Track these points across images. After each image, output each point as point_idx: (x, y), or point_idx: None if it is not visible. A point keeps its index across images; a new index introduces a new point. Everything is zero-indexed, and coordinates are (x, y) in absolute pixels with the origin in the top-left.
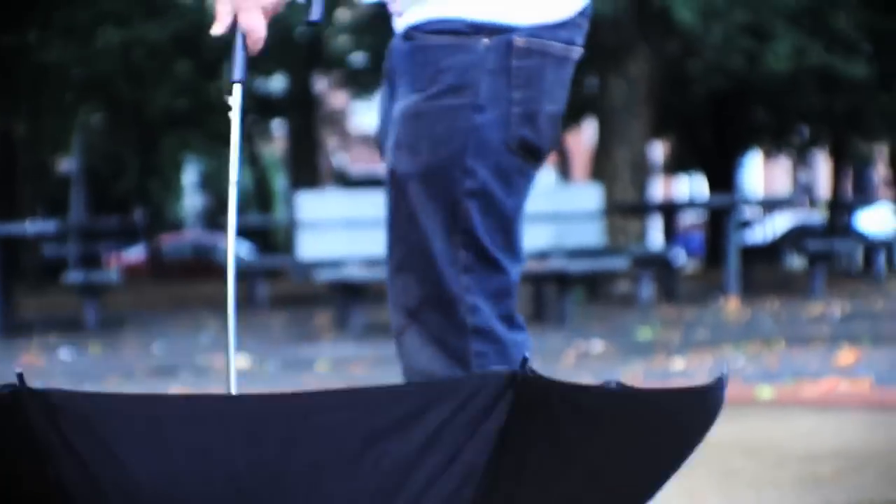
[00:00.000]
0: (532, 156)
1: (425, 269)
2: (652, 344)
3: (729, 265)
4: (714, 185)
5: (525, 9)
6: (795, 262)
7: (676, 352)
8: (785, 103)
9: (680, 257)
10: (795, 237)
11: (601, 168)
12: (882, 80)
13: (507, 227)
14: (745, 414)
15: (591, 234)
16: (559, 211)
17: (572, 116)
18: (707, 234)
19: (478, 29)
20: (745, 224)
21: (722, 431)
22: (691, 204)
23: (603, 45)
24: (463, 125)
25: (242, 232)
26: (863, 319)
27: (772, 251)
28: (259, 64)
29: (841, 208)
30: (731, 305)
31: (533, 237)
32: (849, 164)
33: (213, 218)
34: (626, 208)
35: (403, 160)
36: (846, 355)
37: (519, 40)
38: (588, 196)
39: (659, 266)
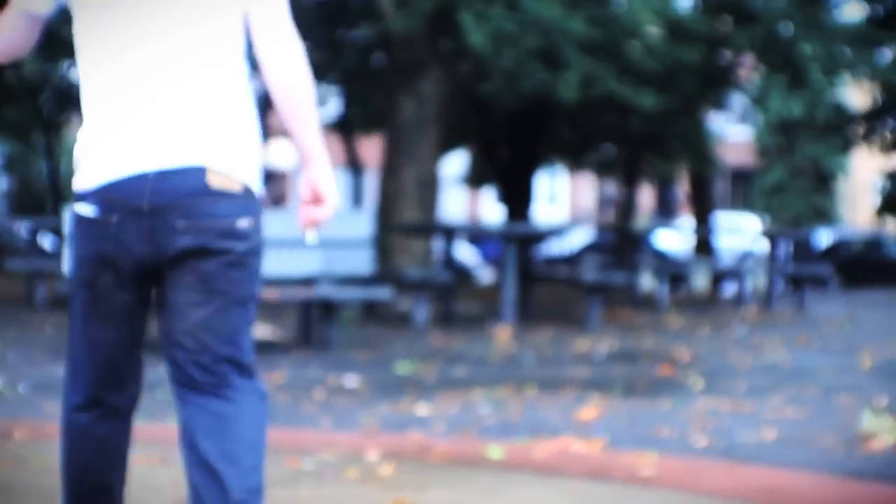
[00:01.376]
0: None
1: None
2: (407, 381)
3: (505, 294)
4: (510, 200)
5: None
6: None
7: (427, 393)
8: (585, 122)
9: (481, 272)
10: (591, 250)
11: (388, 186)
12: (679, 107)
13: None
14: (467, 478)
15: (360, 261)
16: (328, 238)
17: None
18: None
19: None
20: (539, 238)
21: (434, 498)
22: (471, 228)
23: (395, 62)
24: None
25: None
26: (625, 361)
27: (572, 262)
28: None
29: (628, 228)
30: (503, 336)
31: (301, 263)
32: (650, 182)
33: (17, 202)
34: (404, 229)
35: None
36: (589, 410)
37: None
38: (357, 223)
39: (435, 289)
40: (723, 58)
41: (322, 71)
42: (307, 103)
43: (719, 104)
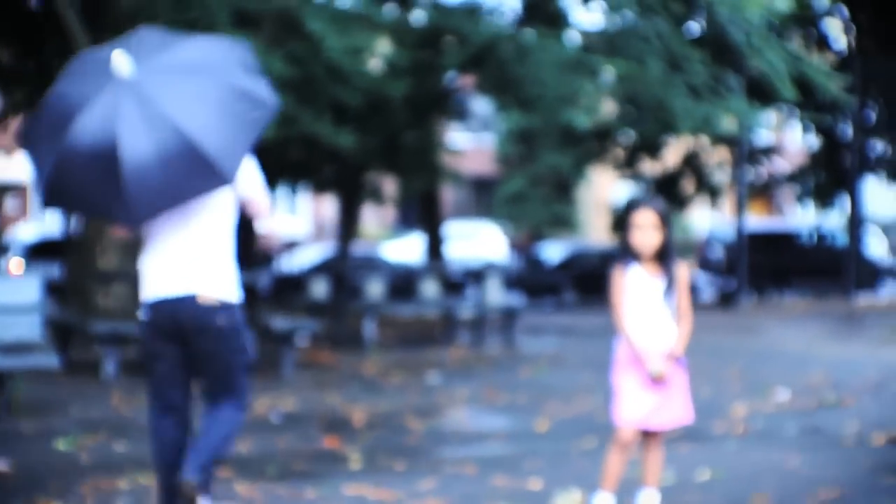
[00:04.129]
0: None
1: None
2: (60, 464)
3: None
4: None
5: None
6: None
7: (74, 481)
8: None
9: None
10: (323, 268)
11: (87, 229)
12: (388, 140)
13: None
14: None
15: (28, 327)
16: None
17: None
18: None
19: None
20: (269, 260)
21: None
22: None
23: None
24: None
25: None
26: (296, 427)
27: (300, 283)
28: None
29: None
30: None
31: None
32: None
33: None
34: (104, 277)
35: None
36: None
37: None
38: (25, 288)
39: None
40: (439, 82)
41: (26, 103)
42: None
43: (455, 116)
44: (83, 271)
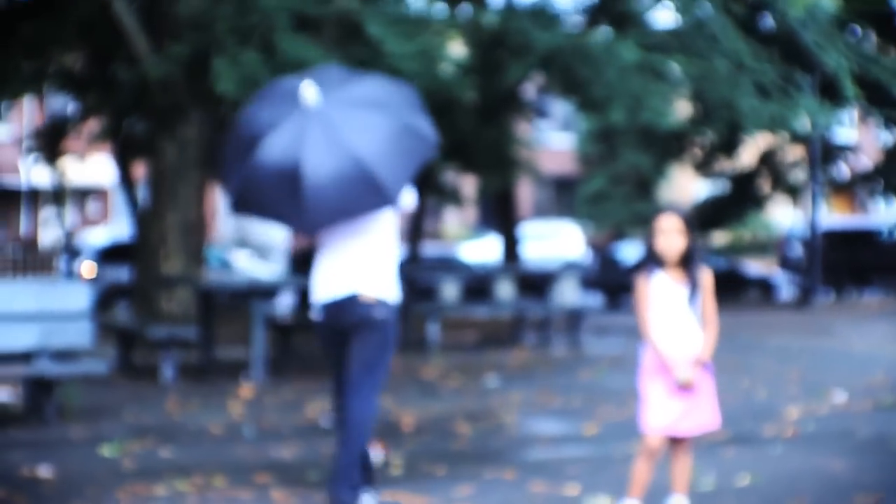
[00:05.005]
0: None
1: None
2: (102, 469)
3: (254, 342)
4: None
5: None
6: None
7: (112, 486)
8: None
9: None
10: None
11: (152, 232)
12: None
13: None
14: None
15: (79, 334)
16: (45, 310)
17: None
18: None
19: None
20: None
21: None
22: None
23: (154, 106)
24: None
25: None
26: None
27: None
28: None
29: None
30: (242, 397)
31: (16, 337)
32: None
33: None
34: (168, 282)
35: None
36: None
37: None
38: (75, 295)
39: (184, 344)
40: (508, 82)
41: (97, 108)
42: None
43: (528, 115)
44: (148, 276)
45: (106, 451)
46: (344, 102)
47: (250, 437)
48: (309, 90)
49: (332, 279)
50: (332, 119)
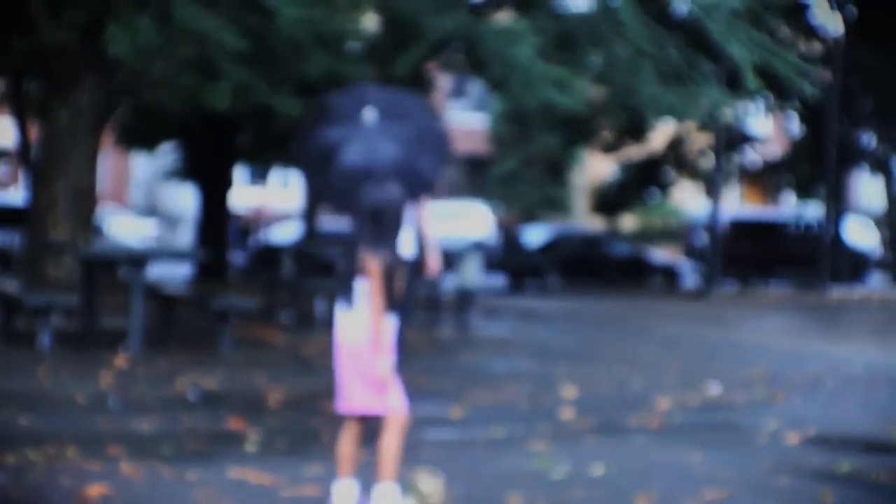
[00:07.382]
0: None
1: None
2: None
3: (133, 317)
4: (210, 195)
5: None
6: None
7: None
8: (265, 126)
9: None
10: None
11: (41, 198)
12: None
13: None
14: None
15: None
16: None
17: None
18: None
19: None
20: (246, 233)
21: None
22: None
23: (48, 72)
24: None
25: None
26: (209, 406)
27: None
28: None
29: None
30: (114, 368)
31: None
32: None
33: None
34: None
35: None
36: (97, 487)
37: None
38: None
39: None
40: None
41: None
42: None
43: (450, 94)
44: (37, 241)
45: None
46: (390, 116)
47: (114, 408)
48: (370, 114)
49: None
50: (384, 131)
